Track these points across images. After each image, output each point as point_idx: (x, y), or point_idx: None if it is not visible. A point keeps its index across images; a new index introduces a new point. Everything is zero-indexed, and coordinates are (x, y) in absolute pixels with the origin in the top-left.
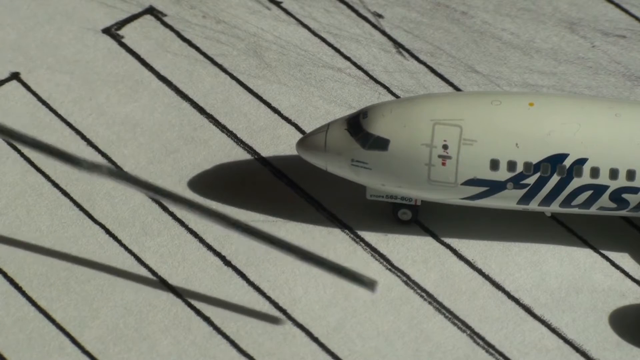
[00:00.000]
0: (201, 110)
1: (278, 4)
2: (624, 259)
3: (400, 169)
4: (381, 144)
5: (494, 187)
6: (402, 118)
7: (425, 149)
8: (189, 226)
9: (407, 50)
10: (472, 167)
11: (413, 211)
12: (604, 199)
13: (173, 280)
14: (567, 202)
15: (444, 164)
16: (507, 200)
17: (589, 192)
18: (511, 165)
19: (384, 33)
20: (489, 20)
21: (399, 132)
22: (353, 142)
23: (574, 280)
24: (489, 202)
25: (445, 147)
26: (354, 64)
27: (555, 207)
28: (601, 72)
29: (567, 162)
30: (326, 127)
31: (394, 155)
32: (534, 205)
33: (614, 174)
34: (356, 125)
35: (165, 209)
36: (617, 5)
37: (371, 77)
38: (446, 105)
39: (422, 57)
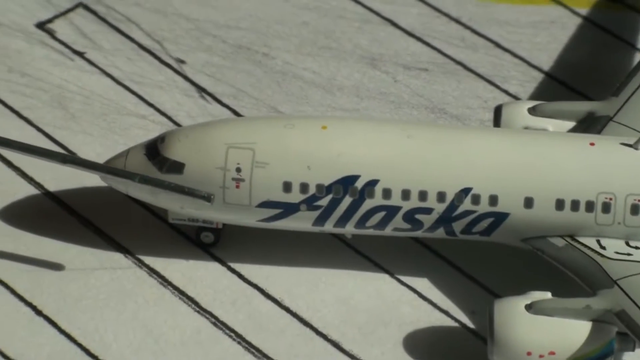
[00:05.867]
0: (8, 163)
1: (81, 55)
2: (422, 283)
3: None
4: (177, 167)
5: (288, 209)
6: (197, 142)
7: (220, 172)
8: None
9: (210, 94)
10: (265, 190)
11: (215, 234)
12: (398, 220)
13: None
14: (361, 223)
15: (237, 186)
16: (303, 221)
17: (383, 213)
18: (304, 187)
19: (186, 78)
20: (291, 61)
21: (193, 156)
22: (150, 166)
23: (382, 313)
24: (285, 223)
25: (238, 170)
26: (158, 110)
27: (350, 228)
28: (404, 106)
29: (359, 184)
30: (126, 153)
31: (189, 178)
32: (329, 227)
33: (405, 194)
34: (153, 149)
35: None
36: (419, 39)
37: (175, 123)
38: (240, 129)
39: (225, 100)
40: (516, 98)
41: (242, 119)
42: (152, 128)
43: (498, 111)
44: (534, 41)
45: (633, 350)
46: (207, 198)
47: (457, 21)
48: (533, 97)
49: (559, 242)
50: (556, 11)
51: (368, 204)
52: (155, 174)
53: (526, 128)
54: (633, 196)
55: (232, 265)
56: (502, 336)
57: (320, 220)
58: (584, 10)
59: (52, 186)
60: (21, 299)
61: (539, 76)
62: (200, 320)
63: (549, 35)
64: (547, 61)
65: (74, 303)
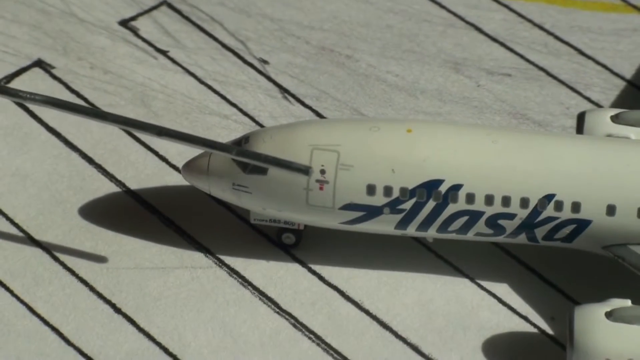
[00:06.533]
0: (90, 160)
1: (164, 53)
2: (502, 288)
3: (280, 193)
4: (261, 168)
5: (371, 212)
6: (282, 143)
7: None
8: (79, 275)
9: (293, 95)
10: (348, 192)
11: (296, 235)
12: (480, 225)
13: (64, 329)
14: (444, 227)
15: (321, 188)
16: (385, 224)
17: (465, 218)
18: (387, 191)
19: (269, 79)
20: (374, 63)
21: (278, 157)
22: (234, 166)
23: (461, 318)
24: (367, 226)
25: (322, 172)
26: (241, 110)
27: (432, 232)
28: (486, 111)
29: (443, 188)
30: (209, 152)
31: (273, 179)
32: (411, 230)
33: (489, 200)
34: None
35: (56, 258)
36: (502, 44)
37: (257, 123)
38: (325, 131)
39: (307, 101)
40: (598, 105)
41: (327, 120)
42: (234, 128)
43: (581, 118)
44: (616, 49)
45: None
46: (305, 171)
47: (541, 27)
48: (615, 104)
49: None
50: (639, 19)
51: (451, 209)
52: (239, 175)
53: (609, 136)
54: None
55: (313, 266)
56: (581, 343)
57: (403, 223)
58: None
59: (133, 184)
60: (100, 296)
61: (621, 84)
62: (280, 321)
63: (632, 43)
64: (629, 69)
65: (153, 301)
